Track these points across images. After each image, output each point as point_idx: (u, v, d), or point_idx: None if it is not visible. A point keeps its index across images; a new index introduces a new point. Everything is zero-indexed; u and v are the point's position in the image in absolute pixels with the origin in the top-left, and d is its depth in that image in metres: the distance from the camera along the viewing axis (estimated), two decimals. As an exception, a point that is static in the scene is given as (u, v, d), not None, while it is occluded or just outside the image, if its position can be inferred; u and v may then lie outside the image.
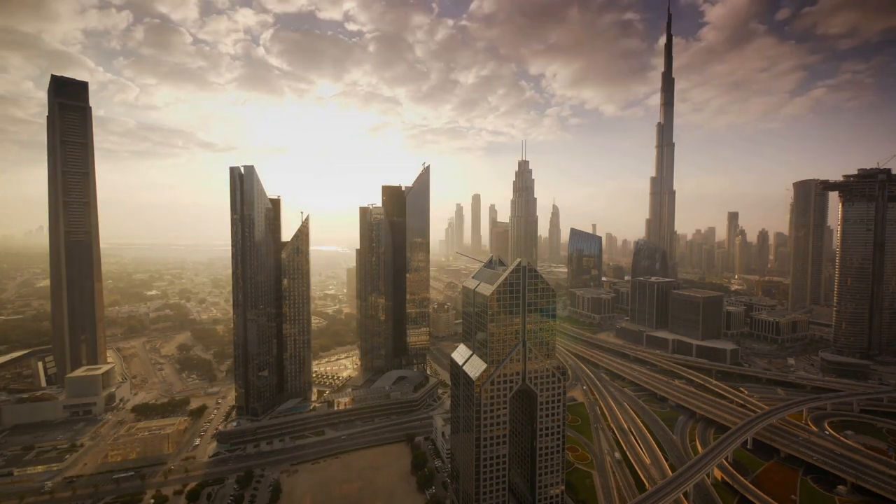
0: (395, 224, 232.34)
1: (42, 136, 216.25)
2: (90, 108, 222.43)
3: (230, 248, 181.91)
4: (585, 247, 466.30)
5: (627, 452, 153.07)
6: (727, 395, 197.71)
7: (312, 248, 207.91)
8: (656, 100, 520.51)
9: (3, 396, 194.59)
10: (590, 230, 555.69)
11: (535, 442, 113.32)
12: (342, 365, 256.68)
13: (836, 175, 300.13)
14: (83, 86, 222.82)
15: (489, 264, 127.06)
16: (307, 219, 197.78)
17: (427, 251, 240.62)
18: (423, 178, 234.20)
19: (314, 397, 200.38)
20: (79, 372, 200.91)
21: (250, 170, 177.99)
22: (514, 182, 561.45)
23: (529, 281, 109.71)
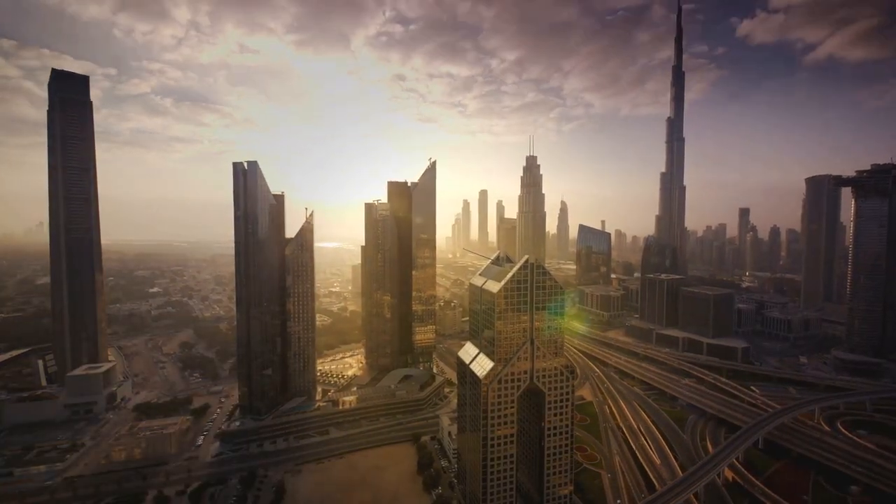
0: (401, 220, 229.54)
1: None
2: (91, 102, 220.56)
3: (233, 244, 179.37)
4: (594, 243, 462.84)
5: (637, 452, 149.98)
6: (738, 393, 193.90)
7: (317, 244, 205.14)
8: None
9: (3, 395, 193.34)
10: (599, 226, 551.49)
11: (543, 441, 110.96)
12: (347, 363, 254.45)
13: (849, 170, 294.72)
14: (84, 80, 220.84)
15: (496, 261, 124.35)
16: (311, 215, 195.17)
17: (433, 248, 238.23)
18: (430, 174, 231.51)
19: (318, 396, 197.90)
20: (80, 370, 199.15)
21: (254, 165, 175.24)
22: (522, 177, 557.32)
23: (537, 278, 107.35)
